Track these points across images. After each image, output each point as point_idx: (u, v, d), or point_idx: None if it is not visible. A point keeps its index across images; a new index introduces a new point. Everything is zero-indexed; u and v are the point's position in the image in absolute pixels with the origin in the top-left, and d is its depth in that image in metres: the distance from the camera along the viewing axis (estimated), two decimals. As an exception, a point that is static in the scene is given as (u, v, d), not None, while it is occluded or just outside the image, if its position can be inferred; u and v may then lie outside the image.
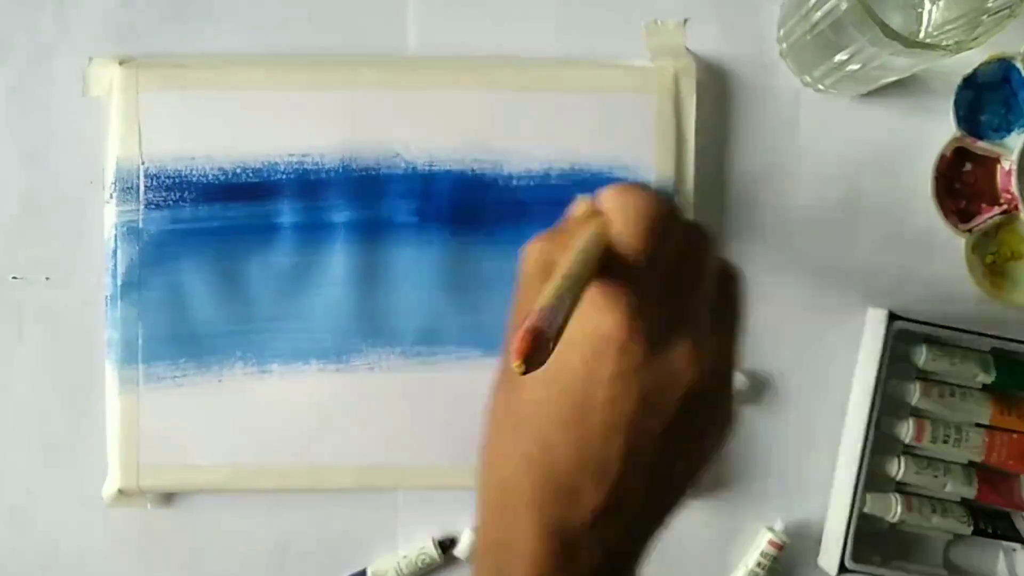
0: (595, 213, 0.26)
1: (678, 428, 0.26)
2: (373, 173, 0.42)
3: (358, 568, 0.44)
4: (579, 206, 0.28)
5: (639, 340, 0.25)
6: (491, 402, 0.28)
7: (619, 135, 0.42)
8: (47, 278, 0.43)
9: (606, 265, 0.25)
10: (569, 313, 0.22)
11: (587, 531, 0.26)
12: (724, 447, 0.29)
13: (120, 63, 0.42)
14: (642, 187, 0.26)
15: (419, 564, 0.43)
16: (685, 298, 0.26)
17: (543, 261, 0.26)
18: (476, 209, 0.42)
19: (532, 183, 0.42)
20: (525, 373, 0.20)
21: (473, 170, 0.42)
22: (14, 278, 0.43)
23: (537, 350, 0.20)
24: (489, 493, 0.27)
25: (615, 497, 0.26)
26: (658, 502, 0.28)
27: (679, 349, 0.26)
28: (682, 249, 0.26)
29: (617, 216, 0.25)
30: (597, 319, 0.25)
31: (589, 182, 0.42)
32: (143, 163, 0.41)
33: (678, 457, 0.27)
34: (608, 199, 0.26)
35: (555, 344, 0.21)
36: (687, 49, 0.43)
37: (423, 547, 0.43)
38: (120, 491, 0.42)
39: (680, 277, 0.26)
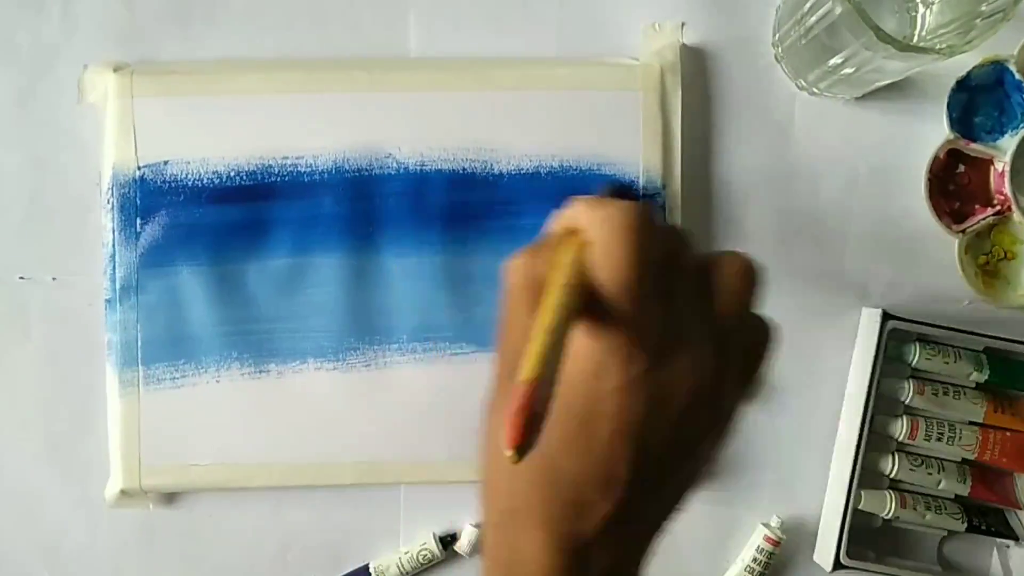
0: (573, 231, 0.26)
1: (682, 433, 0.26)
2: (366, 174, 0.42)
3: (360, 564, 0.44)
4: (558, 221, 0.27)
5: (640, 352, 0.25)
6: (487, 423, 0.27)
7: (607, 132, 0.42)
8: (53, 278, 0.43)
9: (591, 300, 0.24)
10: (556, 370, 0.22)
11: (596, 541, 0.26)
12: (725, 446, 0.29)
13: (115, 70, 0.42)
14: (616, 201, 0.25)
15: (420, 560, 0.43)
16: (677, 300, 0.26)
17: (529, 276, 0.26)
18: (468, 207, 0.42)
19: (522, 180, 0.42)
20: (519, 460, 0.20)
21: (464, 169, 0.42)
22: (21, 278, 0.43)
23: (530, 434, 0.20)
24: (494, 514, 0.27)
25: (623, 506, 0.26)
26: (664, 506, 0.28)
27: (680, 355, 0.25)
28: (668, 252, 0.26)
29: (596, 237, 0.24)
30: (595, 336, 0.25)
31: (578, 179, 0.42)
32: (139, 168, 0.41)
33: (683, 461, 0.27)
34: (584, 216, 0.25)
35: (546, 416, 0.21)
36: (682, 47, 0.43)
37: (424, 543, 0.44)
38: (122, 491, 0.42)
39: (669, 281, 0.26)
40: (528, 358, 0.21)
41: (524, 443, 0.20)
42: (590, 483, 0.25)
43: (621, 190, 0.41)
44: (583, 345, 0.25)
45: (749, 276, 0.27)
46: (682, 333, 0.26)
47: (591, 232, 0.25)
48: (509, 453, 0.20)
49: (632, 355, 0.24)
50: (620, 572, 0.27)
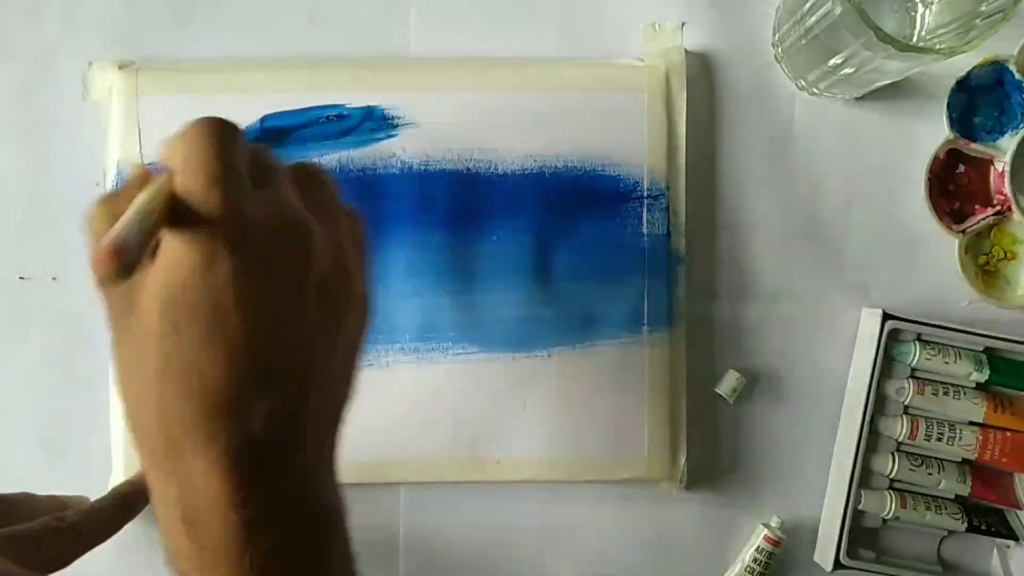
0: (148, 174, 0.27)
1: (321, 313, 0.26)
2: (370, 173, 0.42)
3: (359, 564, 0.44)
4: (136, 167, 0.28)
5: (242, 237, 0.25)
6: (117, 359, 0.27)
7: (611, 132, 0.43)
8: (54, 278, 0.44)
9: (178, 208, 0.24)
10: (148, 236, 0.23)
11: (266, 446, 0.25)
12: (366, 333, 0.30)
13: (119, 67, 0.42)
14: (196, 128, 0.26)
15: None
16: (269, 192, 0.26)
17: (111, 216, 0.25)
18: (471, 207, 0.42)
19: (526, 181, 0.42)
20: (115, 283, 0.21)
21: (469, 169, 0.42)
22: (21, 278, 0.44)
23: (121, 260, 0.21)
24: (153, 454, 0.26)
25: (284, 399, 0.25)
26: (328, 393, 0.28)
27: (282, 239, 0.26)
28: (248, 152, 0.27)
29: (177, 166, 0.25)
30: (188, 236, 0.24)
31: (582, 179, 0.42)
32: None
33: (329, 344, 0.27)
34: (164, 150, 0.26)
35: (141, 256, 0.22)
36: (684, 50, 0.43)
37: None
38: (124, 489, 0.42)
39: (255, 177, 0.26)
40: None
41: (119, 265, 0.21)
42: (240, 381, 0.25)
43: None
44: (182, 248, 0.24)
45: (320, 174, 0.30)
46: (286, 215, 0.26)
47: (173, 162, 0.25)
48: (102, 275, 0.21)
49: (237, 241, 0.24)
50: (302, 477, 0.27)
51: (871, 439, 0.43)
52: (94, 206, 0.26)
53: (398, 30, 0.44)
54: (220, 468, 0.25)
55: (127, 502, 0.39)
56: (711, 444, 0.45)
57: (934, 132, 0.44)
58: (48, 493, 0.43)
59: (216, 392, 0.25)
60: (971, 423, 0.44)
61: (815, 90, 0.44)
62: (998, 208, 0.44)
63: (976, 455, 0.44)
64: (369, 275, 0.30)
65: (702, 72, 0.44)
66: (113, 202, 0.26)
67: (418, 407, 0.43)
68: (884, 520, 0.44)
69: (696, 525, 0.45)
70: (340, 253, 0.28)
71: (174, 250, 0.24)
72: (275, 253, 0.25)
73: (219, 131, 0.26)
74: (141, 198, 0.24)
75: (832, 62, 0.39)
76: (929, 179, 0.44)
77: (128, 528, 0.39)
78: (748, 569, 0.44)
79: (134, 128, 0.42)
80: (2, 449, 0.44)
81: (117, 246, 0.21)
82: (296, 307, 0.26)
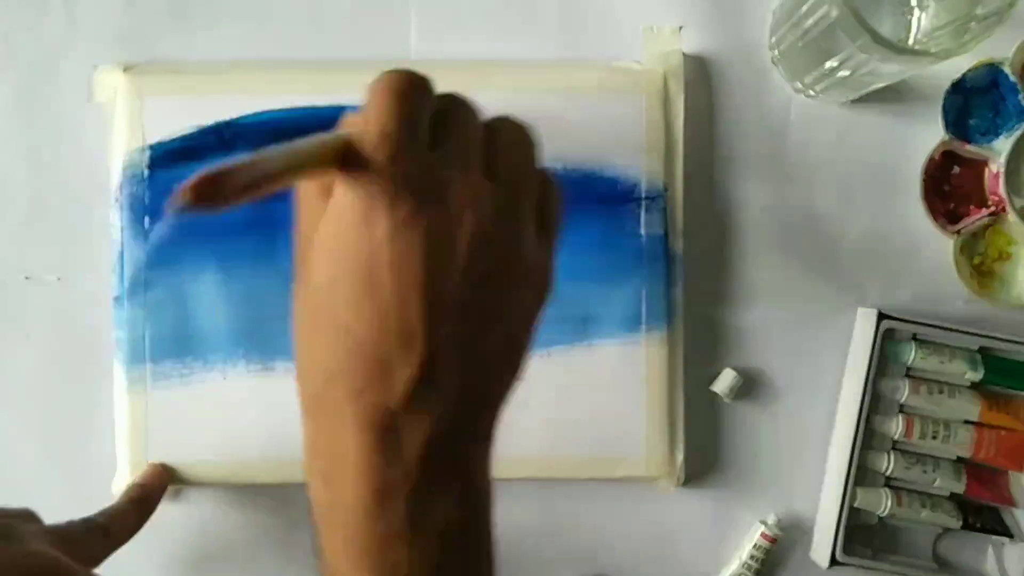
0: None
1: (477, 282, 0.25)
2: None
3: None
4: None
5: (405, 195, 0.24)
6: (294, 312, 0.27)
7: (610, 135, 0.43)
8: (58, 278, 0.44)
9: (350, 154, 0.24)
10: (283, 175, 0.23)
11: (406, 410, 0.25)
12: (540, 310, 0.28)
13: (124, 70, 0.42)
14: (383, 82, 0.25)
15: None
16: (450, 152, 0.26)
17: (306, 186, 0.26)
18: None
19: None
20: (194, 208, 0.20)
21: None
22: (26, 278, 0.44)
23: (213, 186, 0.20)
24: (308, 403, 0.26)
25: (428, 365, 0.24)
26: (479, 370, 0.26)
27: (454, 199, 0.25)
28: (436, 108, 0.26)
29: (360, 115, 0.25)
30: (356, 186, 0.24)
31: (581, 183, 0.43)
32: (148, 167, 0.42)
33: (489, 316, 0.26)
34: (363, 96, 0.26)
35: (250, 193, 0.21)
36: (682, 52, 0.44)
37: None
38: (129, 486, 0.43)
39: (439, 134, 0.26)
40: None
41: (207, 190, 0.20)
42: (387, 342, 0.24)
43: None
44: (347, 199, 0.24)
45: (526, 134, 0.28)
46: (454, 180, 0.25)
47: (363, 101, 0.25)
48: (184, 196, 0.20)
49: (396, 199, 0.24)
50: (440, 448, 0.25)
51: (867, 437, 0.44)
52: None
53: (399, 32, 0.44)
54: (357, 429, 0.24)
55: (143, 503, 0.40)
56: (708, 442, 0.45)
57: (929, 134, 0.44)
58: (52, 493, 0.44)
59: (359, 353, 0.24)
60: (966, 422, 0.44)
61: (811, 92, 0.44)
62: (993, 209, 0.45)
63: (971, 453, 0.44)
64: (555, 248, 0.29)
65: (700, 75, 0.44)
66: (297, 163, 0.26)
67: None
68: (880, 518, 0.44)
69: (693, 523, 0.45)
70: (513, 226, 0.27)
71: (340, 199, 0.24)
72: (431, 218, 0.24)
73: (403, 87, 0.25)
74: (302, 141, 0.24)
75: (828, 65, 0.40)
76: (924, 180, 0.44)
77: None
78: (745, 566, 0.44)
79: (139, 130, 0.42)
80: (5, 449, 0.44)
81: (214, 176, 0.20)
82: (447, 277, 0.25)
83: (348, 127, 0.25)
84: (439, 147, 0.25)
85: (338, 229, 0.24)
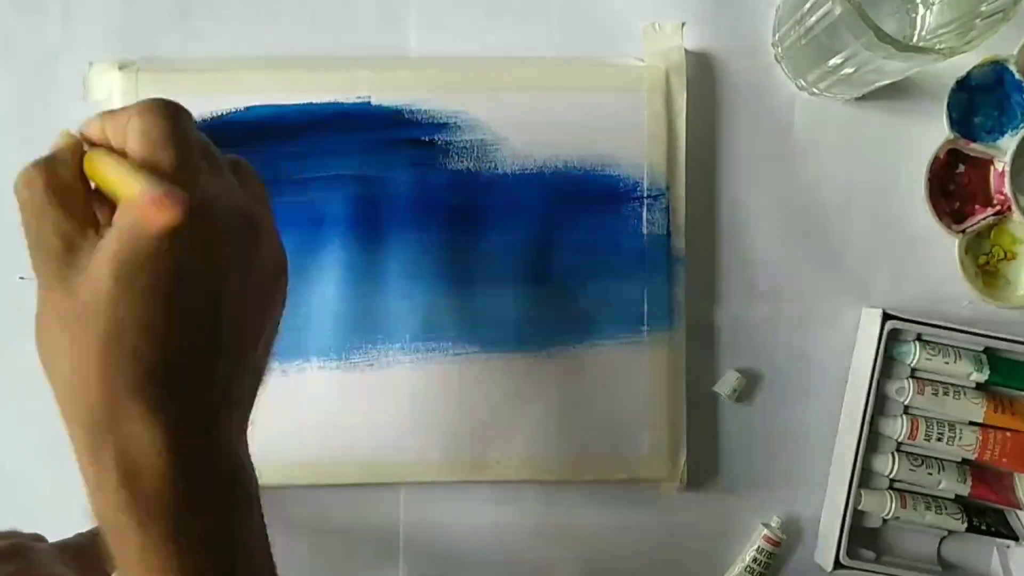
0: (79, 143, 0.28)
1: (259, 295, 0.28)
2: (371, 173, 0.42)
3: (359, 563, 0.44)
4: (63, 137, 0.29)
5: (201, 200, 0.26)
6: (48, 325, 0.28)
7: (612, 133, 0.43)
8: (53, 279, 0.44)
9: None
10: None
11: (207, 414, 0.26)
12: (280, 321, 0.30)
13: (120, 68, 0.42)
14: (152, 104, 0.27)
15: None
16: (226, 179, 0.28)
17: (59, 183, 0.27)
18: (472, 207, 0.42)
19: (526, 181, 0.42)
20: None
21: (468, 168, 0.42)
22: (21, 278, 0.44)
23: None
24: (85, 414, 0.26)
25: (229, 370, 0.27)
26: (256, 374, 0.29)
27: (245, 217, 0.27)
28: (202, 148, 0.28)
29: (133, 138, 0.26)
30: (148, 204, 0.25)
31: (582, 179, 0.42)
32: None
33: (264, 328, 0.29)
34: (110, 123, 0.28)
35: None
36: (684, 49, 0.43)
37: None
38: (125, 489, 0.42)
39: (209, 167, 0.27)
40: (122, 182, 0.25)
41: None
42: (193, 347, 0.26)
43: None
44: (142, 215, 0.25)
45: (251, 169, 0.31)
46: (233, 199, 0.27)
47: (122, 126, 0.27)
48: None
49: (198, 211, 0.25)
50: (232, 451, 0.28)
51: (871, 439, 0.43)
52: (29, 170, 0.27)
53: (398, 30, 0.44)
54: (164, 434, 0.25)
55: None
56: (711, 444, 0.45)
57: (934, 132, 0.44)
58: (49, 493, 0.44)
59: (169, 356, 0.25)
60: (971, 423, 0.44)
61: (815, 90, 0.44)
62: (998, 208, 0.44)
63: (976, 455, 0.44)
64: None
65: (702, 72, 0.44)
66: (49, 169, 0.27)
67: (418, 407, 0.43)
68: (884, 520, 0.44)
69: (696, 525, 0.45)
70: (278, 241, 0.30)
71: (133, 217, 0.25)
72: (232, 229, 0.27)
73: (175, 109, 0.27)
74: (118, 163, 0.26)
75: (832, 62, 0.39)
76: (929, 179, 0.44)
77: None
78: (748, 569, 0.44)
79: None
80: (3, 449, 0.44)
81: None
82: (246, 282, 0.27)
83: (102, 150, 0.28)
84: (212, 171, 0.28)
85: (132, 244, 0.25)
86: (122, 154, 0.27)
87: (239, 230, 0.27)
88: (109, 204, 0.27)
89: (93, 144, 0.29)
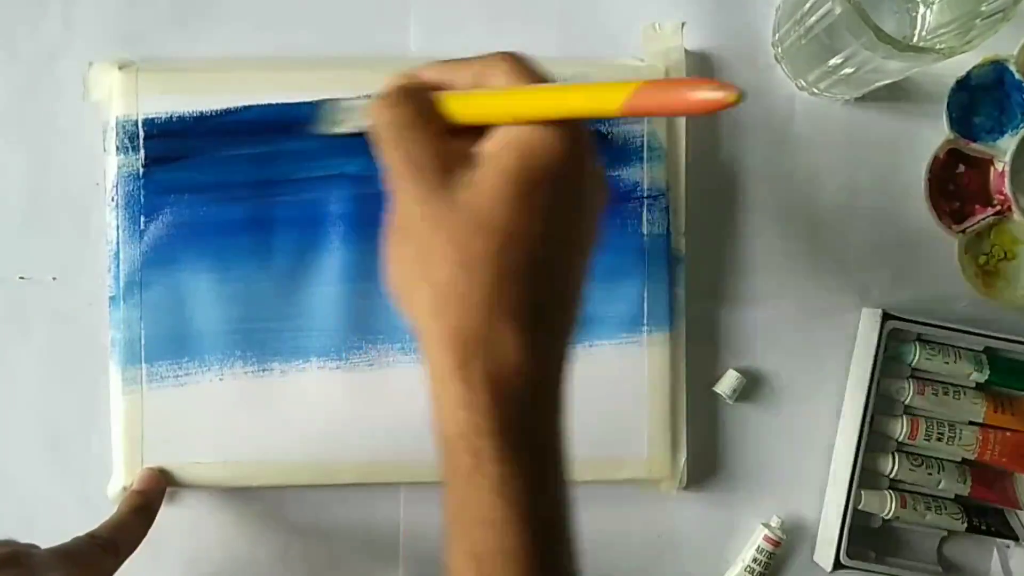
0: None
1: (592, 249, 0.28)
2: (371, 172, 0.42)
3: (359, 567, 0.44)
4: (396, 80, 0.30)
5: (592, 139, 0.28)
6: (412, 239, 0.28)
7: (611, 132, 0.42)
8: (54, 278, 0.44)
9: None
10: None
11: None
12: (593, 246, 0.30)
13: (120, 67, 0.42)
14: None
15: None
16: None
17: (423, 106, 0.28)
18: None
19: None
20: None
21: None
22: (21, 278, 0.44)
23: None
24: (452, 329, 0.27)
25: (571, 316, 0.27)
26: (582, 277, 0.28)
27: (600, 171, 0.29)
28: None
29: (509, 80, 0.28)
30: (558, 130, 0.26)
31: None
32: (144, 165, 0.42)
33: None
34: (453, 74, 0.29)
35: None
36: (684, 50, 0.43)
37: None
38: (124, 489, 0.42)
39: None
40: (600, 93, 0.25)
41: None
42: (562, 267, 0.27)
43: None
44: (550, 138, 0.26)
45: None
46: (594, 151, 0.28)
47: (485, 68, 0.29)
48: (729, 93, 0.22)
49: (592, 148, 0.27)
50: (552, 409, 0.28)
51: (871, 439, 0.43)
52: (394, 92, 0.29)
53: (398, 30, 0.44)
54: (531, 358, 0.26)
55: (144, 511, 0.40)
56: (711, 444, 0.45)
57: (934, 132, 0.44)
58: (49, 493, 0.44)
59: (546, 279, 0.26)
60: (971, 423, 0.44)
61: (815, 90, 0.44)
62: (998, 208, 0.44)
63: (976, 455, 0.44)
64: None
65: (702, 72, 0.44)
66: (411, 93, 0.29)
67: (418, 407, 0.42)
68: (884, 520, 0.44)
69: (696, 525, 0.45)
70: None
71: (537, 138, 0.26)
72: (597, 178, 0.28)
73: (535, 64, 0.29)
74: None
75: (832, 62, 0.39)
76: (929, 179, 0.44)
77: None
78: (748, 569, 0.44)
79: (134, 128, 0.42)
80: (2, 449, 0.44)
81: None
82: (593, 233, 0.28)
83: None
84: None
85: (536, 162, 0.26)
86: None
87: (598, 174, 0.28)
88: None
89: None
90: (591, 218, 0.28)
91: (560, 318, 0.27)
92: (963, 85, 0.44)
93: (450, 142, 0.28)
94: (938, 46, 0.35)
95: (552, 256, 0.26)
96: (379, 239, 0.42)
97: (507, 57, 0.28)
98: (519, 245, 0.26)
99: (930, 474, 0.44)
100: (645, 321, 0.43)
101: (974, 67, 0.43)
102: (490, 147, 0.27)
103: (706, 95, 0.22)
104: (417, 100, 0.28)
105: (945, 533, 0.45)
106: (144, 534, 0.40)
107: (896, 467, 0.44)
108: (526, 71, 0.28)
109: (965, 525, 0.44)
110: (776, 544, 0.44)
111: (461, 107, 0.29)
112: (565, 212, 0.26)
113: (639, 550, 0.45)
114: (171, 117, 0.41)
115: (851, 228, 0.45)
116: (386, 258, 0.29)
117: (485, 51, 0.43)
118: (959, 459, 0.44)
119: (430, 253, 0.27)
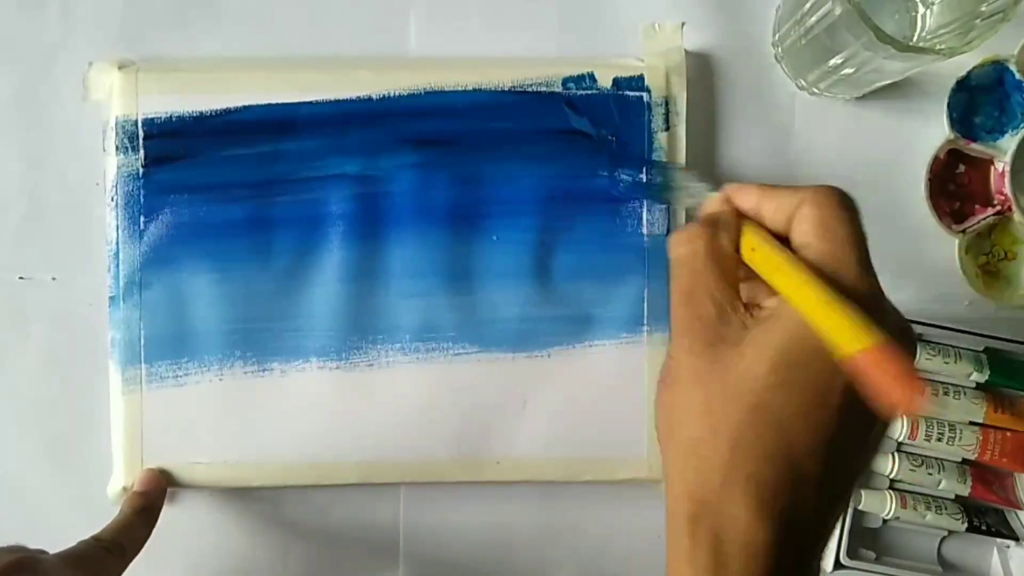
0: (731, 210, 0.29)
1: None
2: (371, 172, 0.42)
3: (359, 567, 0.44)
4: (713, 203, 0.30)
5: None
6: (683, 391, 0.28)
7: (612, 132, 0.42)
8: (53, 278, 0.44)
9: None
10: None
11: (803, 509, 0.26)
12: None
13: (120, 68, 0.42)
14: (836, 196, 0.27)
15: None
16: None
17: (719, 248, 0.27)
18: (472, 206, 0.42)
19: (527, 180, 0.42)
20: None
21: (469, 168, 0.42)
22: (21, 278, 0.44)
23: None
24: (689, 489, 0.27)
25: (835, 485, 0.26)
26: (845, 477, 0.28)
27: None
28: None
29: (817, 232, 0.26)
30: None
31: (583, 179, 0.42)
32: (144, 165, 0.42)
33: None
34: (771, 204, 0.28)
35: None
36: (684, 50, 0.43)
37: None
38: (124, 489, 0.42)
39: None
40: (841, 327, 0.24)
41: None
42: (807, 449, 0.25)
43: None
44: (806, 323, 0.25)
45: None
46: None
47: (789, 204, 0.27)
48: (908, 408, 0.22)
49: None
50: (816, 546, 0.27)
51: (871, 439, 0.43)
52: (694, 229, 0.28)
53: (398, 30, 0.44)
54: (766, 533, 0.25)
55: (147, 512, 0.40)
56: (711, 444, 0.45)
57: (934, 132, 0.44)
58: (48, 494, 0.44)
59: (794, 457, 0.25)
60: (971, 423, 0.44)
61: (815, 90, 0.44)
62: (998, 208, 0.44)
63: (976, 455, 0.44)
64: None
65: (702, 72, 0.44)
66: (713, 231, 0.28)
67: (418, 407, 0.43)
68: (884, 520, 0.44)
69: (696, 525, 0.45)
70: None
71: (798, 321, 0.25)
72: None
73: (852, 202, 0.27)
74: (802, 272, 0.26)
75: (832, 62, 0.39)
76: (929, 179, 0.44)
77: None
78: (748, 569, 0.44)
79: (133, 127, 0.42)
80: (2, 450, 0.44)
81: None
82: (858, 441, 0.27)
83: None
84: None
85: (795, 343, 0.25)
86: (779, 236, 0.28)
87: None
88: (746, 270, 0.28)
89: (739, 214, 0.29)
90: (856, 426, 0.26)
91: (803, 494, 0.26)
92: (963, 85, 0.44)
93: (735, 287, 0.27)
94: (938, 46, 0.35)
95: (810, 435, 0.25)
96: (379, 239, 0.43)
97: (817, 198, 0.27)
98: (767, 420, 0.25)
99: (930, 474, 0.44)
100: (645, 321, 0.43)
101: (974, 67, 0.43)
102: (768, 308, 0.27)
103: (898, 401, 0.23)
104: (712, 240, 0.28)
105: (945, 533, 0.45)
106: (148, 535, 0.40)
107: (896, 467, 0.44)
108: (835, 219, 0.27)
109: (965, 525, 0.44)
110: (776, 544, 0.44)
111: (748, 254, 0.28)
112: (819, 401, 0.25)
113: (639, 550, 0.45)
114: (171, 117, 0.41)
115: (851, 228, 0.45)
116: (657, 397, 0.29)
117: (481, 52, 0.44)
118: (959, 459, 0.44)
119: (688, 408, 0.27)
